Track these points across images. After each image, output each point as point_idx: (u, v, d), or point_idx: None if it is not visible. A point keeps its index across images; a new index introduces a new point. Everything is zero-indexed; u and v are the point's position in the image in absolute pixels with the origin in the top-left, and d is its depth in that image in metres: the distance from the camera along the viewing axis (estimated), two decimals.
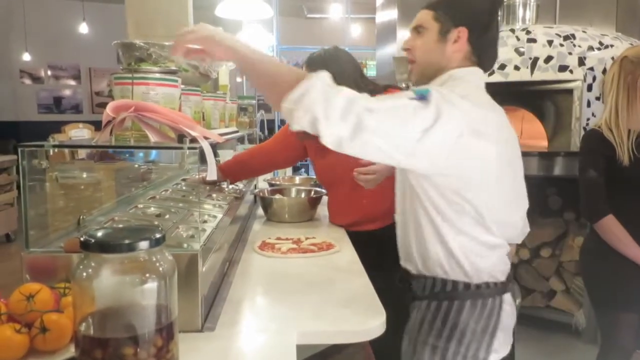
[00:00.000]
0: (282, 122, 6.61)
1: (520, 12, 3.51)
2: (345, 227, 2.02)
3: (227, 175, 2.10)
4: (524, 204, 1.28)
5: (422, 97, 1.02)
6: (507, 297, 1.23)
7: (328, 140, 1.00)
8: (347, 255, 1.68)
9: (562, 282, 3.30)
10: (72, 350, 0.80)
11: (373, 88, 1.86)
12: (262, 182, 2.85)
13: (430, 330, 1.21)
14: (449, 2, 1.24)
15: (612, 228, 1.83)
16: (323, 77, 1.02)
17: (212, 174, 1.10)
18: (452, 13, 1.21)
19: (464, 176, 1.10)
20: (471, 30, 1.20)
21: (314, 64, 1.87)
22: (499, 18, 1.25)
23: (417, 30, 1.26)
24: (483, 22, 1.21)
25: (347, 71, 1.84)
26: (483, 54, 1.23)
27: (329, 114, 0.97)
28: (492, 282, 1.20)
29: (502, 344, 1.20)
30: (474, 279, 1.18)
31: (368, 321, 1.15)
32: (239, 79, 6.68)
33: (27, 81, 8.74)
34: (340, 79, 1.77)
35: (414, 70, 1.28)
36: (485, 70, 1.25)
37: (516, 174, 1.23)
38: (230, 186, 2.06)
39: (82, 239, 0.73)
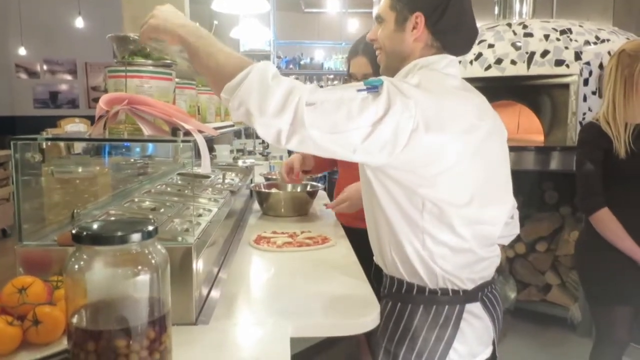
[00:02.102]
0: None
1: (517, 6, 3.51)
2: (347, 223, 1.98)
3: (319, 165, 2.13)
4: (505, 199, 1.20)
5: (373, 88, 0.97)
6: (473, 307, 1.14)
7: (262, 134, 0.95)
8: (342, 249, 1.68)
9: (557, 276, 3.31)
10: (64, 343, 0.80)
11: None
12: (258, 177, 2.84)
13: (385, 332, 1.17)
14: None
15: (607, 221, 1.83)
16: (263, 68, 0.96)
17: (206, 167, 1.10)
18: (406, 0, 1.17)
19: (419, 170, 1.03)
20: (427, 15, 1.14)
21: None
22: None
23: (378, 20, 1.23)
24: (438, 5, 1.14)
25: None
26: (446, 39, 1.16)
27: (263, 108, 0.92)
28: (452, 289, 1.12)
29: (463, 356, 1.13)
30: (429, 283, 1.11)
31: (363, 314, 1.15)
32: None
33: (23, 76, 8.69)
34: None
35: (380, 60, 1.25)
36: (459, 54, 1.19)
37: (492, 166, 1.14)
38: (226, 180, 2.06)
39: (74, 231, 0.73)
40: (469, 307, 1.13)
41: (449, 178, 1.05)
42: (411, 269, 1.12)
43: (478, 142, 1.08)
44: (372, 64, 1.72)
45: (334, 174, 5.82)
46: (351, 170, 1.91)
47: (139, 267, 0.74)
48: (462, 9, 1.16)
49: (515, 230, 1.30)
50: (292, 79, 1.01)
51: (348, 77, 1.85)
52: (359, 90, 0.97)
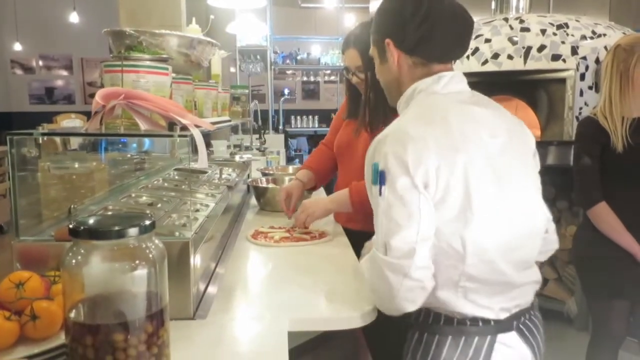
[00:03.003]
0: (277, 112, 6.51)
1: (513, 1, 3.50)
2: (343, 224, 1.94)
3: (317, 178, 2.04)
4: (536, 214, 1.12)
5: (380, 178, 1.00)
6: (507, 337, 1.07)
7: (401, 307, 1.04)
8: (339, 243, 1.68)
9: (554, 270, 3.33)
10: (62, 338, 0.79)
11: None
12: (255, 172, 2.84)
13: None
14: (375, 19, 1.20)
15: (604, 215, 1.84)
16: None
17: (202, 162, 1.10)
18: (375, 29, 1.19)
19: (443, 206, 1.00)
20: (392, 38, 1.13)
21: (366, 47, 1.75)
22: (423, 7, 1.09)
23: (372, 60, 1.25)
24: (398, 24, 1.11)
25: None
26: (422, 51, 1.11)
27: (382, 300, 1.06)
28: (483, 319, 1.05)
29: None
30: (456, 313, 1.06)
31: (360, 308, 1.15)
32: (232, 69, 6.64)
33: (19, 71, 8.65)
34: None
35: (386, 94, 1.26)
36: (452, 57, 1.16)
37: (513, 184, 1.07)
38: (223, 176, 2.06)
39: (71, 226, 0.72)
40: (501, 337, 1.06)
41: (479, 205, 1.00)
42: (439, 301, 1.06)
43: (493, 159, 1.04)
44: (362, 56, 1.71)
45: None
46: (349, 170, 1.90)
47: (137, 262, 0.74)
48: (428, 12, 1.09)
49: (552, 245, 1.21)
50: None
51: (345, 71, 1.84)
52: (380, 195, 1.00)
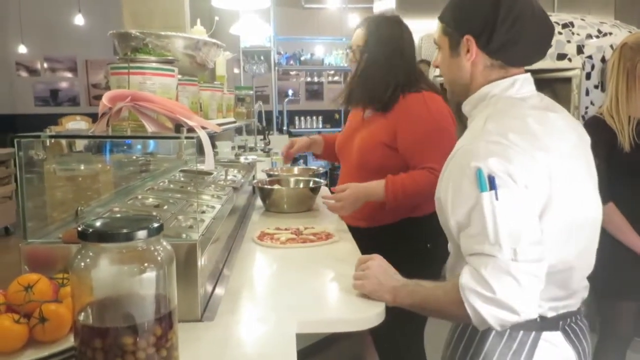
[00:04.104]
0: (280, 113, 6.51)
1: None
2: (346, 222, 1.97)
3: (326, 152, 2.17)
4: (597, 220, 1.13)
5: (491, 183, 0.95)
6: (553, 336, 1.06)
7: (532, 311, 0.97)
8: (346, 245, 1.68)
9: None
10: (71, 340, 0.80)
11: (419, 65, 1.88)
12: (260, 173, 2.84)
13: (455, 354, 1.14)
14: (451, 9, 1.12)
15: (612, 216, 1.83)
16: (470, 285, 0.96)
17: (209, 164, 1.10)
18: (453, 23, 1.10)
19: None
20: (476, 37, 1.06)
21: (374, 30, 1.80)
22: (512, 1, 1.04)
23: (437, 46, 1.17)
24: (487, 22, 1.04)
25: (405, 49, 1.80)
26: (505, 55, 1.06)
27: (514, 310, 0.94)
28: None
29: None
30: None
31: (367, 310, 1.15)
32: (236, 70, 6.65)
33: (24, 74, 8.68)
34: (395, 56, 1.75)
35: (446, 86, 1.20)
36: (531, 62, 1.11)
37: (580, 188, 1.07)
38: (229, 177, 2.06)
39: (79, 228, 0.72)
40: (546, 335, 1.06)
41: (559, 205, 1.00)
42: None
43: (568, 162, 1.04)
44: (366, 36, 1.80)
45: (335, 169, 5.82)
46: (351, 167, 1.91)
47: (145, 264, 0.74)
48: (519, 16, 1.04)
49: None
50: (477, 262, 0.98)
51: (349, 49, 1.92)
52: (497, 199, 0.95)
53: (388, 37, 1.79)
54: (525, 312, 0.95)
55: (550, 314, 1.06)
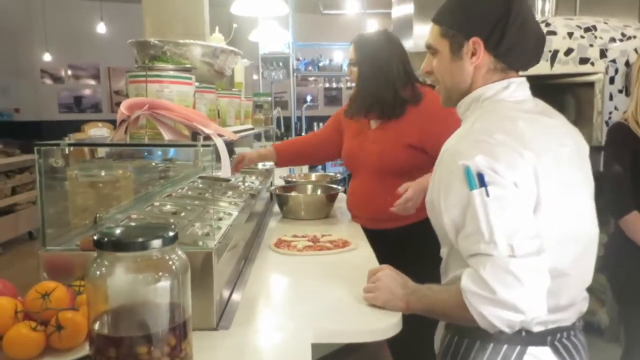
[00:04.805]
0: (299, 119, 6.52)
1: (539, 3, 3.44)
2: (363, 224, 2.00)
3: (280, 159, 2.18)
4: (593, 230, 1.08)
5: (481, 180, 0.94)
6: (540, 352, 1.03)
7: (538, 309, 0.94)
8: (363, 252, 1.67)
9: None
10: (87, 348, 0.80)
11: (414, 79, 1.89)
12: (278, 179, 2.84)
13: None
14: (451, 12, 1.09)
15: (636, 225, 1.78)
16: (471, 288, 0.95)
17: (226, 172, 1.10)
18: (457, 25, 1.06)
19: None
20: (486, 39, 1.03)
21: (362, 44, 1.87)
22: (520, 4, 1.03)
23: (430, 51, 1.13)
24: (499, 24, 1.02)
25: (392, 58, 1.84)
26: (512, 56, 1.05)
27: (519, 309, 0.92)
28: None
29: None
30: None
31: (384, 320, 1.13)
32: (255, 77, 6.69)
33: (48, 81, 8.88)
34: (384, 65, 1.80)
35: (440, 92, 1.16)
36: (528, 67, 1.09)
37: (577, 196, 1.05)
38: (246, 183, 2.06)
39: (95, 237, 0.73)
40: (532, 350, 1.02)
41: (547, 211, 0.98)
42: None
43: (563, 170, 1.01)
44: (356, 50, 1.88)
45: None
46: (370, 173, 1.90)
47: (160, 273, 0.74)
48: (525, 20, 1.03)
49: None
50: (476, 262, 0.96)
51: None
52: (488, 196, 0.93)
53: (375, 50, 1.85)
54: (531, 309, 0.93)
55: (538, 329, 1.02)
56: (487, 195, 0.93)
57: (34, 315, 0.85)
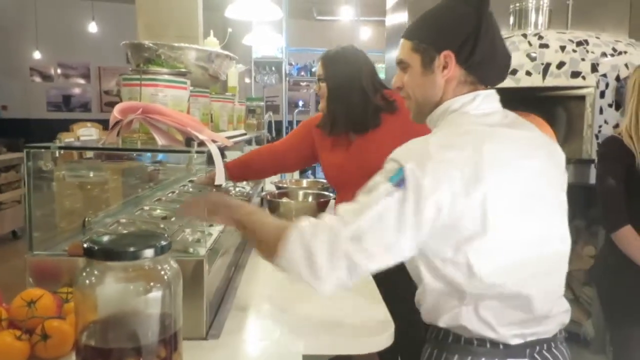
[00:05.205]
0: (290, 123, 6.53)
1: (532, 16, 3.47)
2: None
3: (231, 175, 2.05)
4: (564, 241, 1.07)
5: (400, 182, 0.93)
6: None
7: (328, 292, 0.95)
8: None
9: (570, 291, 3.25)
10: (73, 358, 0.78)
11: (385, 91, 1.85)
12: (269, 185, 2.83)
13: None
14: (422, 27, 1.09)
15: (630, 239, 1.79)
16: (300, 229, 0.96)
17: (220, 179, 1.08)
18: (428, 39, 1.06)
19: (462, 231, 0.96)
20: (457, 52, 1.03)
21: (332, 61, 1.85)
22: (490, 20, 1.05)
23: (401, 66, 1.13)
24: (470, 37, 1.03)
25: (364, 71, 1.82)
26: (482, 70, 1.05)
27: (317, 273, 0.92)
28: (491, 340, 1.00)
29: None
30: (465, 332, 1.01)
31: (377, 332, 1.12)
32: (247, 80, 6.68)
33: (37, 79, 8.78)
34: (353, 79, 1.79)
35: (410, 107, 1.15)
36: (494, 83, 1.09)
37: (546, 209, 1.03)
38: (237, 189, 2.04)
39: (85, 245, 0.71)
40: None
41: (497, 233, 0.96)
42: (449, 320, 1.03)
43: (527, 184, 0.99)
44: (324, 66, 1.85)
45: None
46: (356, 188, 1.89)
47: (152, 283, 0.72)
48: (494, 35, 1.04)
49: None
50: (326, 221, 0.96)
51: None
52: (388, 195, 0.93)
53: (343, 64, 1.83)
54: (313, 282, 0.94)
55: (515, 341, 1.00)
56: (391, 195, 0.93)
57: (19, 324, 0.83)
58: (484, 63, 1.05)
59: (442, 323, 1.04)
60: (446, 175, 0.92)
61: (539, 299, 1.01)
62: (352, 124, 1.82)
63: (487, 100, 1.07)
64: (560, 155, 1.12)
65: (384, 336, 1.10)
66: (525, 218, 0.99)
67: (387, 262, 0.94)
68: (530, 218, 1.00)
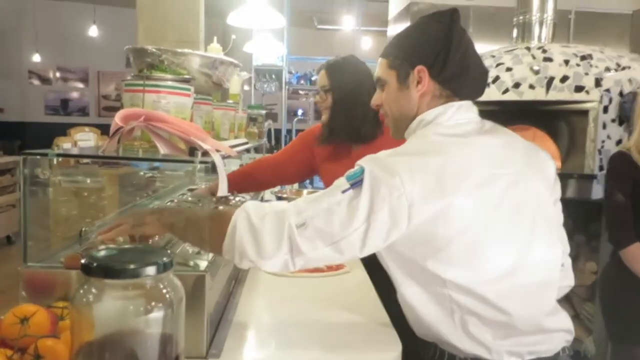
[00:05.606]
0: (289, 132, 6.51)
1: (536, 30, 3.46)
2: None
3: (231, 187, 2.02)
4: (553, 249, 1.07)
5: (357, 183, 0.94)
6: None
7: (271, 271, 1.02)
8: (357, 276, 1.61)
9: (571, 307, 3.21)
10: None
11: None
12: (268, 194, 2.78)
13: None
14: (397, 45, 1.13)
15: (638, 257, 1.76)
16: (245, 213, 0.97)
17: (223, 190, 1.05)
18: (402, 55, 1.10)
19: (432, 242, 0.96)
20: (430, 66, 1.06)
21: (338, 71, 1.83)
22: (462, 36, 1.08)
23: (379, 84, 1.16)
24: (441, 52, 1.06)
25: (364, 82, 1.80)
26: (455, 85, 1.08)
27: (261, 252, 0.94)
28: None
29: None
30: (460, 351, 1.01)
31: (381, 350, 1.08)
32: (246, 87, 6.65)
33: (36, 82, 8.72)
34: (357, 89, 1.76)
35: (389, 124, 1.18)
36: (471, 97, 1.11)
37: (526, 217, 1.02)
38: (237, 198, 2.00)
39: (83, 261, 0.67)
40: None
41: (467, 243, 0.96)
42: (439, 335, 1.03)
43: (500, 194, 0.99)
44: (329, 77, 1.81)
45: None
46: None
47: (153, 303, 0.68)
48: (466, 50, 1.08)
49: (567, 281, 1.14)
50: (276, 205, 0.99)
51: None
52: (344, 191, 0.95)
53: (348, 74, 1.82)
54: (257, 261, 0.95)
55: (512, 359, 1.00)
56: (344, 191, 0.95)
57: (11, 342, 0.79)
58: (457, 77, 1.07)
59: (435, 339, 1.05)
60: (403, 186, 0.92)
61: (519, 311, 1.00)
62: (355, 135, 1.79)
63: (460, 111, 1.08)
64: (545, 163, 1.12)
65: (391, 355, 1.06)
66: (498, 228, 0.99)
67: (330, 255, 0.95)
68: (505, 227, 1.00)
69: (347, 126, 1.80)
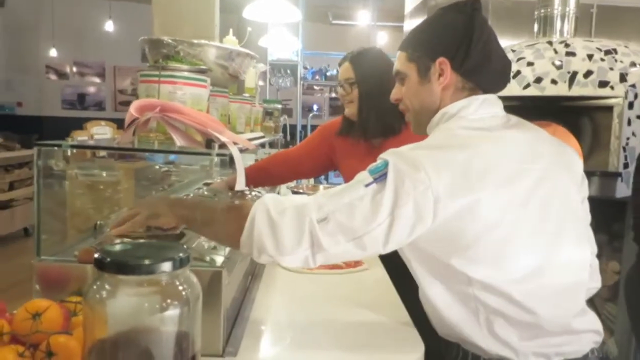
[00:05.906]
0: (304, 127, 6.48)
1: (558, 24, 3.37)
2: None
3: (247, 181, 1.99)
4: (582, 249, 1.04)
5: (380, 177, 0.90)
6: None
7: (291, 266, 0.96)
8: (376, 273, 1.57)
9: (593, 307, 3.14)
10: None
11: None
12: (284, 190, 2.76)
13: None
14: (416, 37, 1.10)
15: None
16: (264, 207, 0.93)
17: (241, 184, 1.02)
18: (423, 48, 1.07)
19: (457, 240, 0.94)
20: (451, 58, 1.03)
21: (359, 62, 1.77)
22: (483, 26, 1.05)
23: (398, 77, 1.13)
24: (463, 43, 1.02)
25: (390, 73, 1.75)
26: (478, 77, 1.05)
27: (281, 248, 0.91)
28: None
29: None
30: (484, 352, 0.99)
31: (401, 350, 1.04)
32: (261, 82, 6.63)
33: (53, 77, 8.80)
34: (385, 81, 1.70)
35: (409, 119, 1.15)
36: (494, 90, 1.08)
37: (555, 214, 0.99)
38: (253, 193, 1.97)
39: (96, 256, 0.64)
40: None
41: (495, 241, 0.93)
42: (463, 335, 1.00)
43: (528, 190, 0.95)
44: (355, 70, 1.75)
45: None
46: None
47: (168, 300, 0.65)
48: (488, 40, 1.04)
49: (594, 283, 1.12)
50: (295, 199, 0.95)
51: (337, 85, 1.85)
52: (367, 185, 0.91)
53: (375, 66, 1.76)
54: (277, 257, 0.92)
55: None
56: (367, 185, 0.91)
57: (23, 338, 0.76)
58: (479, 68, 1.04)
59: (463, 342, 1.02)
60: (429, 180, 0.89)
61: (547, 311, 0.97)
62: (383, 128, 1.75)
63: (485, 105, 1.04)
64: (572, 160, 1.08)
65: (414, 356, 1.02)
66: (526, 225, 0.96)
67: (351, 251, 0.92)
68: (533, 224, 0.96)
69: (377, 120, 1.75)
